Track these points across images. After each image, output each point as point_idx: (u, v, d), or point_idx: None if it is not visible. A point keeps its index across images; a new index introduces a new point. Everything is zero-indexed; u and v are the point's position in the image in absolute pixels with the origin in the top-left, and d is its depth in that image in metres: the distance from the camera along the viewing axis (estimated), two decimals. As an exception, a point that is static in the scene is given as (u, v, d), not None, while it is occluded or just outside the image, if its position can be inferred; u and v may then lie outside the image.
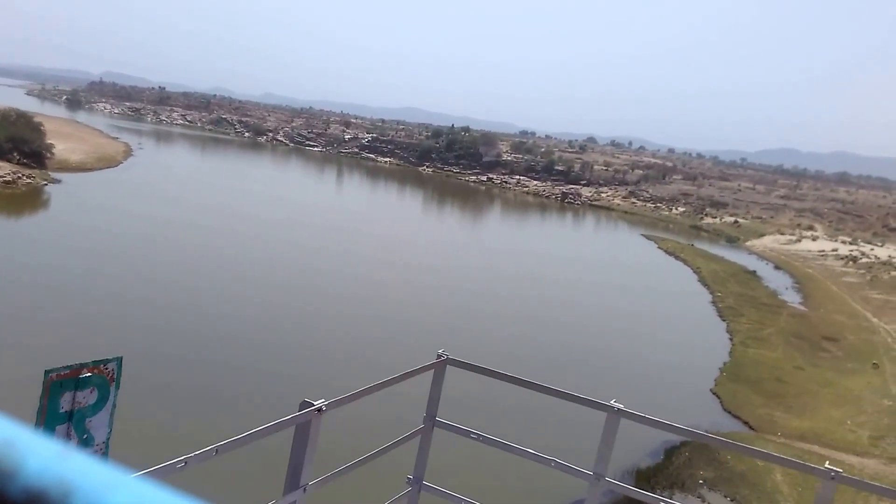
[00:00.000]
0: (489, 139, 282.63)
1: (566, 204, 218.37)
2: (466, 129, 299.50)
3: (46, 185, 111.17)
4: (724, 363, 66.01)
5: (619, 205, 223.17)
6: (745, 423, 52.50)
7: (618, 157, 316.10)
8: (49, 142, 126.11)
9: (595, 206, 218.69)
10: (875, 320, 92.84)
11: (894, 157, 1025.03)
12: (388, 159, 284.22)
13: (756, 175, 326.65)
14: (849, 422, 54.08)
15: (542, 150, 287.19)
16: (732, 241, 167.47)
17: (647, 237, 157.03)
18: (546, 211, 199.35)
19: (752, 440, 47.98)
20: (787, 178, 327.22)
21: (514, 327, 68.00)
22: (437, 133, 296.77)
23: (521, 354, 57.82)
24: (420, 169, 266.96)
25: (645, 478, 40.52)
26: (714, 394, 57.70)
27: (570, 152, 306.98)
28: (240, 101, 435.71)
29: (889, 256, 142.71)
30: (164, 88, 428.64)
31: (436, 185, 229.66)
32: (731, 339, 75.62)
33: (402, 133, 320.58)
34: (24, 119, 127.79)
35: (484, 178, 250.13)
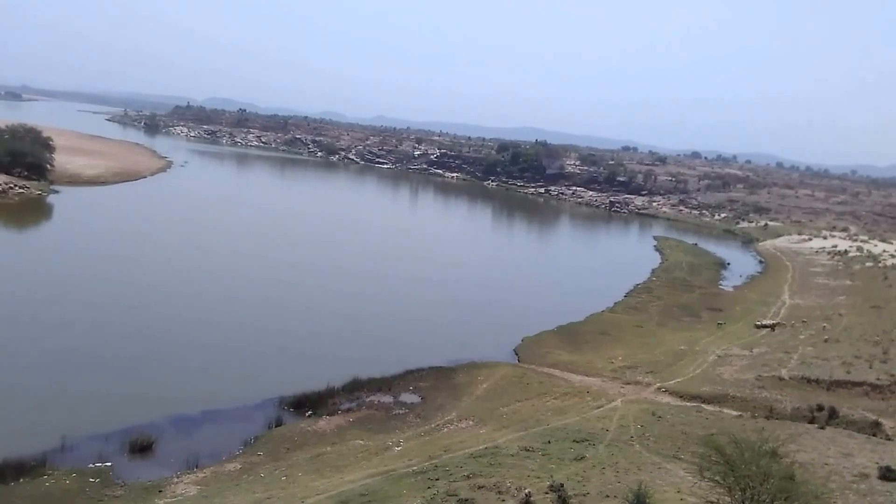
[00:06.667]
0: (553, 152, 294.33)
1: (613, 213, 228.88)
2: (544, 143, 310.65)
3: (42, 195, 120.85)
4: (569, 322, 79.03)
5: (666, 212, 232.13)
6: (517, 355, 66.81)
7: (693, 169, 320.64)
8: (51, 155, 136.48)
9: (641, 214, 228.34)
10: (785, 297, 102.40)
11: None
12: (455, 174, 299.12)
13: (839, 185, 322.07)
14: (620, 357, 66.45)
15: (611, 162, 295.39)
16: (747, 242, 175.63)
17: (657, 237, 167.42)
18: (591, 220, 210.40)
19: (497, 366, 62.04)
20: (875, 188, 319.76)
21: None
22: (502, 147, 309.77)
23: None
24: (485, 183, 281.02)
25: (378, 384, 54.57)
26: (523, 339, 71.19)
27: (646, 164, 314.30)
28: (318, 121, 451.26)
29: (883, 251, 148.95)
30: (245, 111, 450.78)
31: (498, 198, 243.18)
32: (607, 308, 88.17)
33: (471, 148, 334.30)
34: (31, 134, 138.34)
35: (542, 190, 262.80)
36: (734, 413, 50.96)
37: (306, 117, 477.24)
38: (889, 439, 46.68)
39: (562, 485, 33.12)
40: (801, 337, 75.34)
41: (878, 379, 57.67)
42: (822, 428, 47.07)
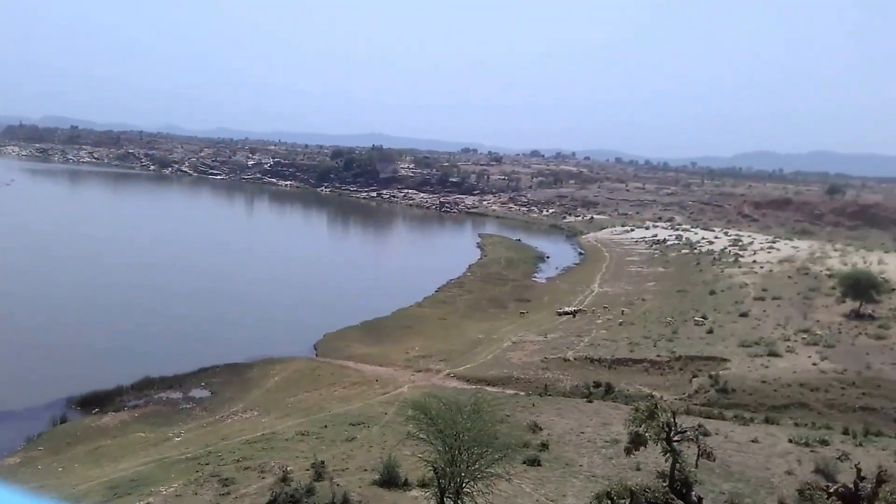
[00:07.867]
0: (387, 156, 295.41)
1: (443, 213, 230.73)
2: (379, 148, 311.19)
3: None
4: (375, 317, 78.85)
5: (495, 210, 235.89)
6: (316, 350, 66.60)
7: (528, 168, 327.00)
8: None
9: (472, 213, 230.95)
10: (595, 286, 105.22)
11: (872, 154, 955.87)
12: (289, 182, 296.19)
13: (674, 177, 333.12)
14: (417, 348, 66.66)
15: (446, 164, 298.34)
16: (571, 235, 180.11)
17: (482, 235, 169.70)
18: (423, 221, 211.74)
19: (292, 360, 61.22)
20: (709, 179, 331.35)
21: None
22: (337, 154, 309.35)
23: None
24: (318, 190, 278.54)
25: (170, 382, 54.53)
26: (324, 335, 70.73)
27: (481, 164, 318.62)
28: (152, 135, 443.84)
29: (702, 238, 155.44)
30: (77, 128, 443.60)
31: (331, 204, 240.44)
32: (415, 303, 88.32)
33: (306, 156, 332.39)
34: None
35: (374, 194, 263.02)
36: (512, 392, 51.52)
37: (141, 132, 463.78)
38: (656, 410, 48.07)
39: (322, 462, 34.77)
40: (598, 322, 77.62)
41: (658, 356, 59.85)
42: (591, 402, 48.20)
